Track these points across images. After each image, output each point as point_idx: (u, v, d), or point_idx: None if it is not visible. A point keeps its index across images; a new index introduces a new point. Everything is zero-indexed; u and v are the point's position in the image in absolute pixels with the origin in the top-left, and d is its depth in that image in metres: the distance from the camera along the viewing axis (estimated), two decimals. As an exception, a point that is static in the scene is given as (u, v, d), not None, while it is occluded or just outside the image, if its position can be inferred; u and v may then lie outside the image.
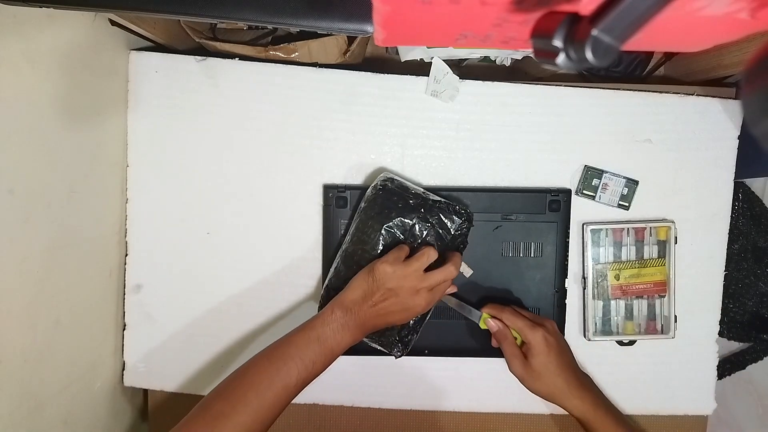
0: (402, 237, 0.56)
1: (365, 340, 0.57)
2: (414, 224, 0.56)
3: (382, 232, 0.56)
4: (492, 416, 0.69)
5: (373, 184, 0.59)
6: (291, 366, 0.49)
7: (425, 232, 0.56)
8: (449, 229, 0.57)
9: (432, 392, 0.68)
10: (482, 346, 0.63)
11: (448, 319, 0.64)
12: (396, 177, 0.59)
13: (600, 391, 0.62)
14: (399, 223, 0.56)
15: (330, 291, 0.59)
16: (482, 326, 0.60)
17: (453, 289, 0.59)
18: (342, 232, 0.63)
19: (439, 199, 0.58)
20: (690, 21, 0.27)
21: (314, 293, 0.66)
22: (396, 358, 0.58)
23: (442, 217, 0.57)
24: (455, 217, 0.57)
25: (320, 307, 0.59)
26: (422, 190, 0.59)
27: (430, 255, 0.54)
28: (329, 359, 0.51)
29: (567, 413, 0.58)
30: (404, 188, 0.58)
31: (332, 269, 0.60)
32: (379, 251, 0.56)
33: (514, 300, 0.64)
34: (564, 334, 0.65)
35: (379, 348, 0.59)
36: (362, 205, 0.59)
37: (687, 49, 0.34)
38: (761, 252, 0.69)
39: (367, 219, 0.57)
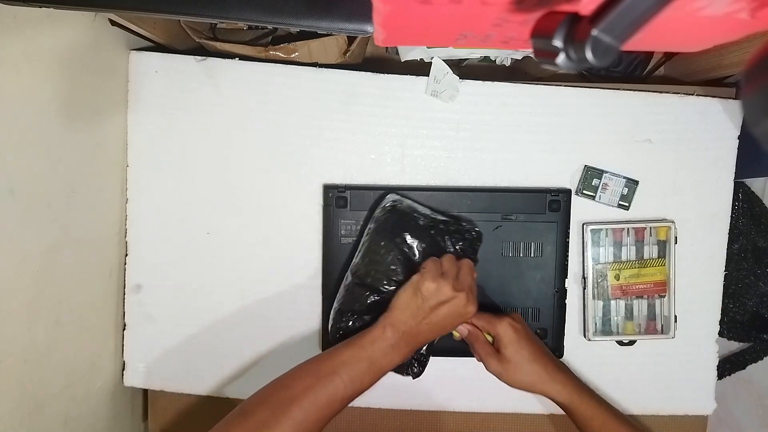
0: (416, 257, 0.56)
1: None
2: (426, 244, 0.56)
3: (396, 252, 0.55)
4: (492, 416, 0.69)
5: (381, 205, 0.59)
6: (338, 383, 0.48)
7: (437, 252, 0.56)
8: (459, 249, 0.57)
9: (432, 392, 0.68)
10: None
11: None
12: (404, 199, 0.60)
13: (577, 376, 0.61)
14: (411, 243, 0.56)
15: (344, 314, 0.57)
16: (455, 336, 0.60)
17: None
18: (342, 232, 0.63)
19: (447, 219, 0.58)
20: (690, 21, 0.27)
21: (314, 293, 0.66)
22: (414, 378, 0.58)
23: (452, 236, 0.57)
24: (465, 236, 0.58)
25: (331, 329, 0.59)
26: (430, 210, 0.59)
27: (452, 259, 0.55)
28: (377, 377, 0.51)
29: (562, 415, 0.58)
30: (413, 209, 0.58)
31: (343, 291, 0.58)
32: (394, 271, 0.55)
33: (514, 300, 0.64)
34: (564, 335, 0.65)
35: (394, 372, 0.57)
36: (371, 225, 0.59)
37: (687, 49, 0.34)
38: (761, 252, 0.69)
39: (379, 240, 0.57)
